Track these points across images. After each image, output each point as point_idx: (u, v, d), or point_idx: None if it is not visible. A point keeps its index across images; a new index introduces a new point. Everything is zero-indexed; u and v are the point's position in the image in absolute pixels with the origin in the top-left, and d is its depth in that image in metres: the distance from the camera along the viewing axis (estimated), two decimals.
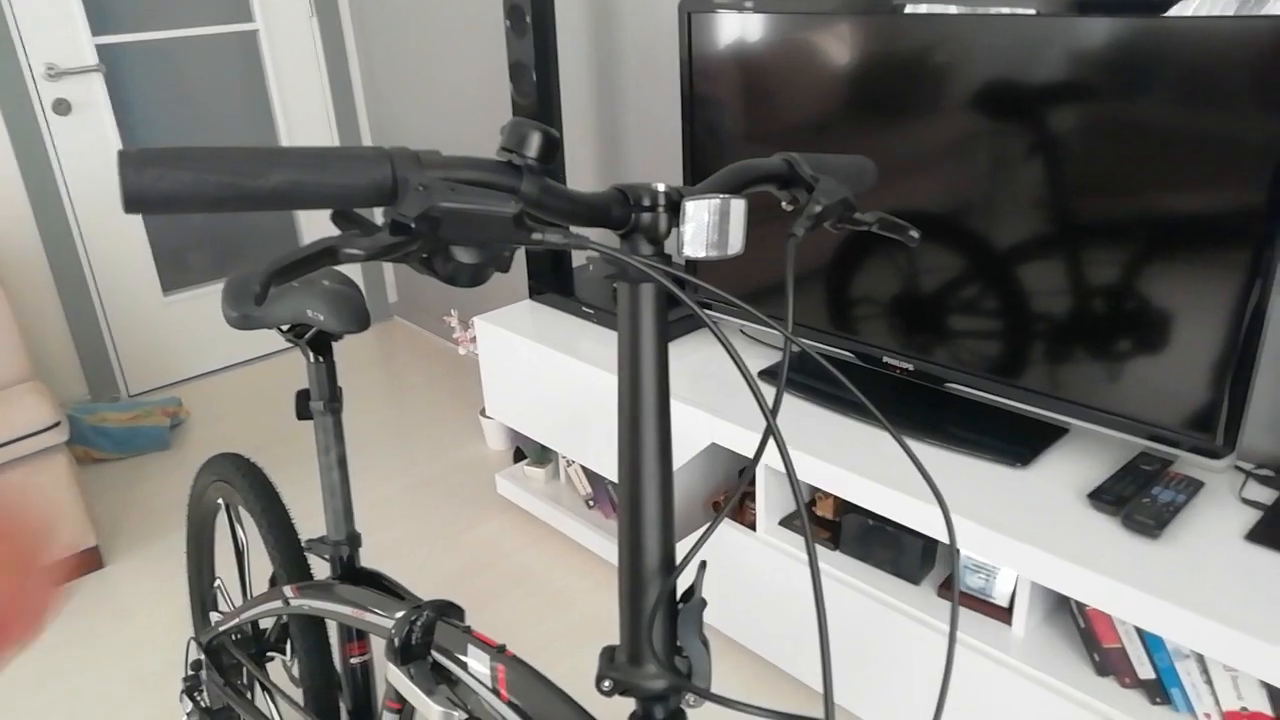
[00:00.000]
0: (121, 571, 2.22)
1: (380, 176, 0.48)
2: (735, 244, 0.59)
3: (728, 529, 1.76)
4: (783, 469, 1.59)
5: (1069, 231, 1.35)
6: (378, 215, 0.53)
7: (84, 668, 1.92)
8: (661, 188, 0.58)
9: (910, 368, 1.61)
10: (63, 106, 2.75)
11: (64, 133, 2.78)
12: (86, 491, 2.54)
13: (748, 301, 1.84)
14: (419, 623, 0.92)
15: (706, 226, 0.58)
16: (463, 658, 0.88)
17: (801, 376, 1.75)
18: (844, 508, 1.63)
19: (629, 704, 0.69)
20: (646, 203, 0.58)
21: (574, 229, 0.56)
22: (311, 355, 1.11)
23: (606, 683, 0.65)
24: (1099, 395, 1.38)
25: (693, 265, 1.93)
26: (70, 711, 1.80)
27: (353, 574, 1.15)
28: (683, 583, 0.64)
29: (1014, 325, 1.46)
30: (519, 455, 2.51)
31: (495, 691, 0.82)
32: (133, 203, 0.43)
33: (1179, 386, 1.30)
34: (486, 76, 2.73)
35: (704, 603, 0.65)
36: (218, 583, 1.61)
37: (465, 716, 0.88)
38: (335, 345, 1.20)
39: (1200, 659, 1.22)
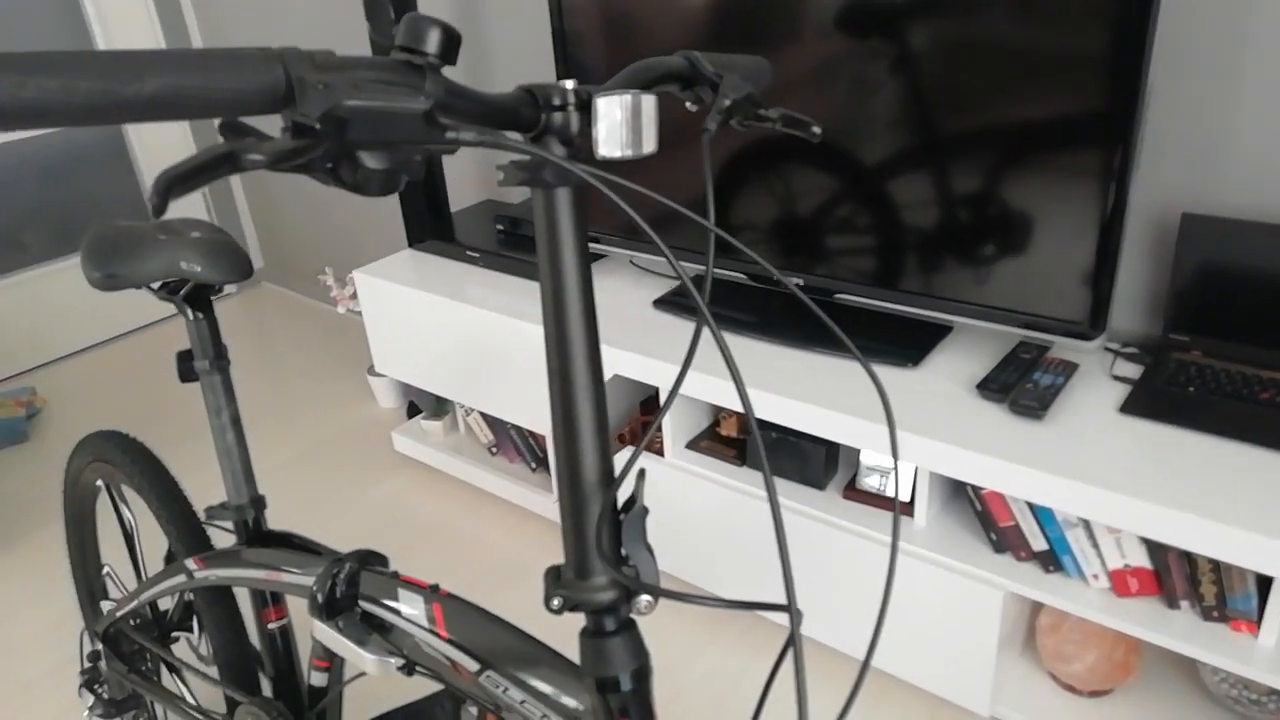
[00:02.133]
0: None
1: (272, 78, 0.44)
2: (649, 143, 0.57)
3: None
4: (686, 393, 1.60)
5: (936, 144, 1.39)
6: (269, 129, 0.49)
7: None
8: (570, 85, 0.56)
9: (800, 283, 1.64)
10: None
11: None
12: None
13: (645, 241, 1.83)
14: (341, 575, 0.89)
15: (620, 124, 0.56)
16: (393, 604, 0.86)
17: (692, 303, 1.76)
18: (746, 427, 1.66)
19: (575, 623, 0.68)
20: (556, 102, 0.56)
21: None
22: (190, 312, 1.04)
23: (555, 601, 0.65)
24: (977, 292, 1.45)
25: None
26: None
27: (261, 537, 1.10)
28: (622, 494, 0.64)
29: (892, 235, 1.50)
30: (413, 411, 2.45)
31: (433, 631, 0.81)
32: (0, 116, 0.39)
33: (1051, 277, 1.37)
34: (345, 20, 2.59)
35: (646, 510, 0.65)
36: (106, 569, 1.52)
37: (402, 662, 0.86)
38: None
39: (1087, 525, 1.31)
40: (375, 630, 0.88)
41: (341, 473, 2.32)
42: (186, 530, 1.19)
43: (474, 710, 1.03)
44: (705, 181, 0.58)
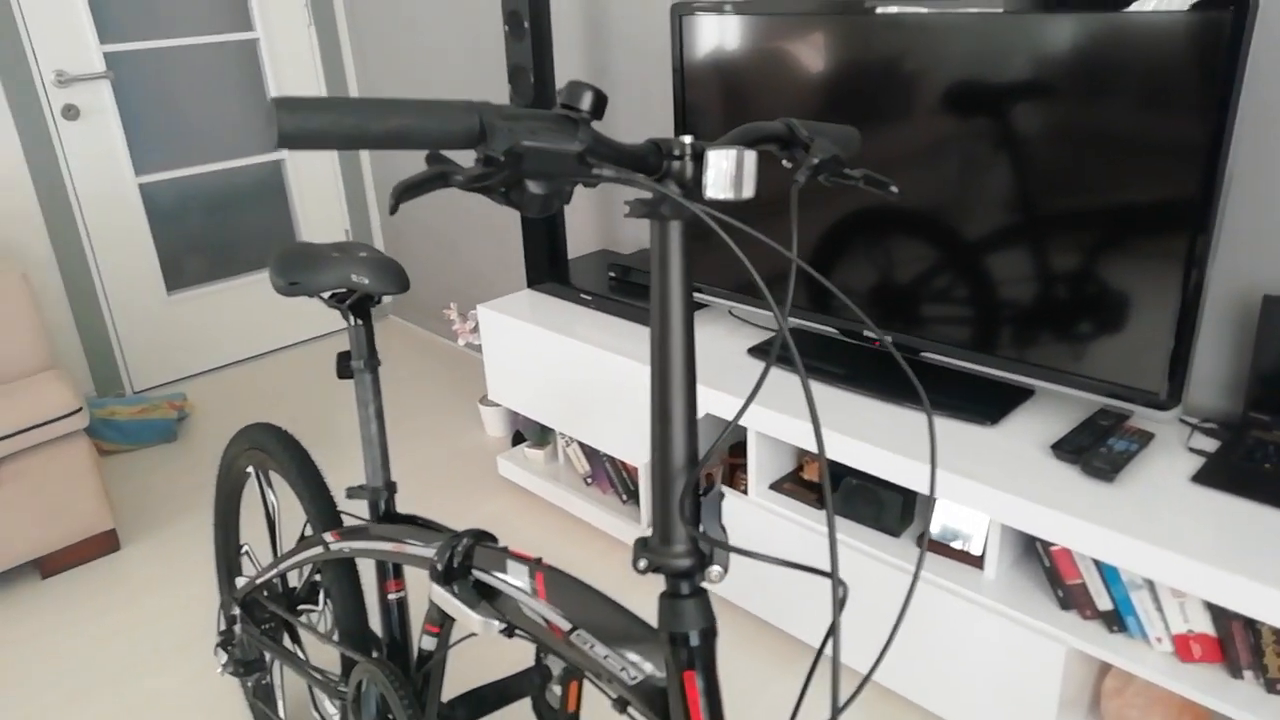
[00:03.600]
0: (137, 554, 2.31)
1: (471, 123, 0.60)
2: (748, 189, 0.71)
3: (727, 493, 1.88)
4: (771, 435, 1.72)
5: (1033, 219, 1.49)
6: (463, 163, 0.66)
7: (102, 644, 2.01)
8: (688, 140, 0.71)
9: (889, 339, 1.75)
10: (71, 112, 2.85)
11: (72, 137, 2.87)
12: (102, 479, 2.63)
13: (744, 293, 1.97)
14: (459, 547, 1.04)
15: (725, 173, 0.70)
16: (502, 574, 1.00)
17: (798, 355, 1.88)
18: (831, 470, 1.76)
19: (655, 594, 0.81)
20: (676, 152, 0.71)
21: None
22: (353, 319, 1.22)
23: (641, 563, 0.77)
24: (1059, 359, 1.52)
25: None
26: (87, 685, 1.89)
27: (391, 517, 1.26)
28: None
29: (979, 301, 1.60)
30: (517, 439, 2.62)
31: (534, 595, 0.94)
32: (285, 139, 0.55)
33: (1131, 350, 1.44)
34: (482, 82, 2.85)
35: (722, 494, 0.77)
36: (244, 549, 1.72)
37: (504, 625, 1.00)
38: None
39: (1152, 587, 1.35)
40: (484, 597, 1.02)
41: (449, 492, 2.50)
42: (324, 510, 1.37)
43: (557, 689, 1.16)
44: (791, 223, 0.72)
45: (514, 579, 0.99)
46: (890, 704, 1.72)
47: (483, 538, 1.05)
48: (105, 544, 2.30)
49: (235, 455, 1.61)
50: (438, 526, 1.17)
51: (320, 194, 3.49)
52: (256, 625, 1.51)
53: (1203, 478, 1.40)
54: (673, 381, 0.75)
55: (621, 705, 0.89)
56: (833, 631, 0.64)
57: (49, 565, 2.23)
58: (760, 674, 1.82)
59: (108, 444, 2.77)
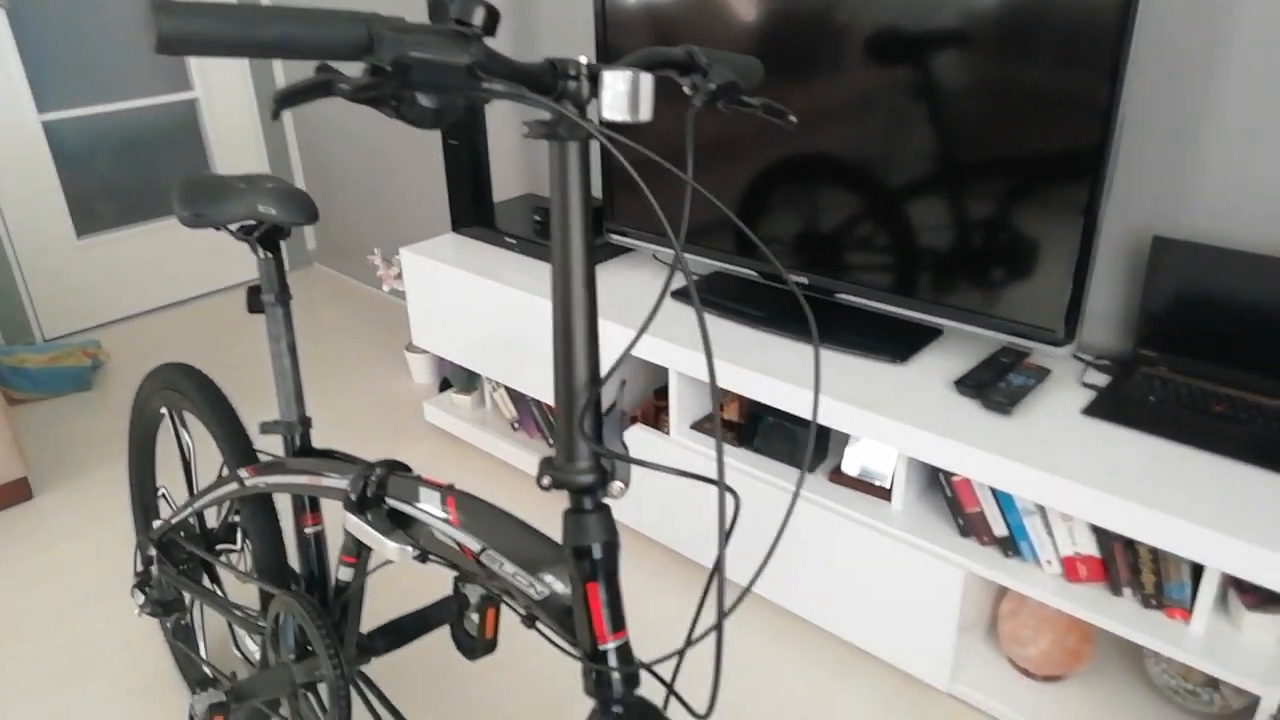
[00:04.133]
0: (51, 502, 2.26)
1: (359, 33, 0.60)
2: (644, 112, 0.72)
3: (643, 432, 1.91)
4: (694, 376, 1.75)
5: (943, 166, 1.54)
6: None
7: (18, 592, 1.97)
8: (584, 60, 0.72)
9: (805, 281, 1.79)
10: None
11: None
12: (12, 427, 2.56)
13: (665, 236, 1.98)
14: (373, 477, 1.05)
15: (621, 95, 0.71)
16: (415, 501, 1.01)
17: (713, 295, 1.91)
18: (748, 410, 1.80)
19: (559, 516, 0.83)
20: (572, 72, 0.71)
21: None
22: (261, 251, 1.21)
23: (545, 479, 0.80)
24: (965, 299, 1.58)
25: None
26: (6, 634, 1.86)
27: (306, 452, 1.26)
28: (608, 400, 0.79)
29: (890, 244, 1.64)
30: (444, 386, 2.62)
31: (446, 520, 0.96)
32: (163, 44, 0.55)
33: (1030, 289, 1.50)
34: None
35: (624, 414, 0.80)
36: (161, 491, 1.70)
37: (418, 551, 1.02)
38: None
39: (1043, 513, 1.43)
40: (398, 525, 1.04)
41: (374, 438, 2.49)
42: (239, 447, 1.36)
43: (475, 616, 1.18)
44: (687, 149, 0.74)
45: (426, 505, 1.00)
46: (805, 633, 1.79)
47: (396, 467, 1.06)
48: (17, 492, 2.25)
49: (148, 396, 1.58)
50: (352, 459, 1.17)
51: (237, 135, 3.39)
52: (174, 566, 1.50)
53: (1093, 410, 1.47)
54: (574, 302, 0.77)
55: (530, 621, 0.91)
56: (722, 542, 0.67)
57: None
58: (674, 603, 1.88)
59: (18, 393, 2.69)
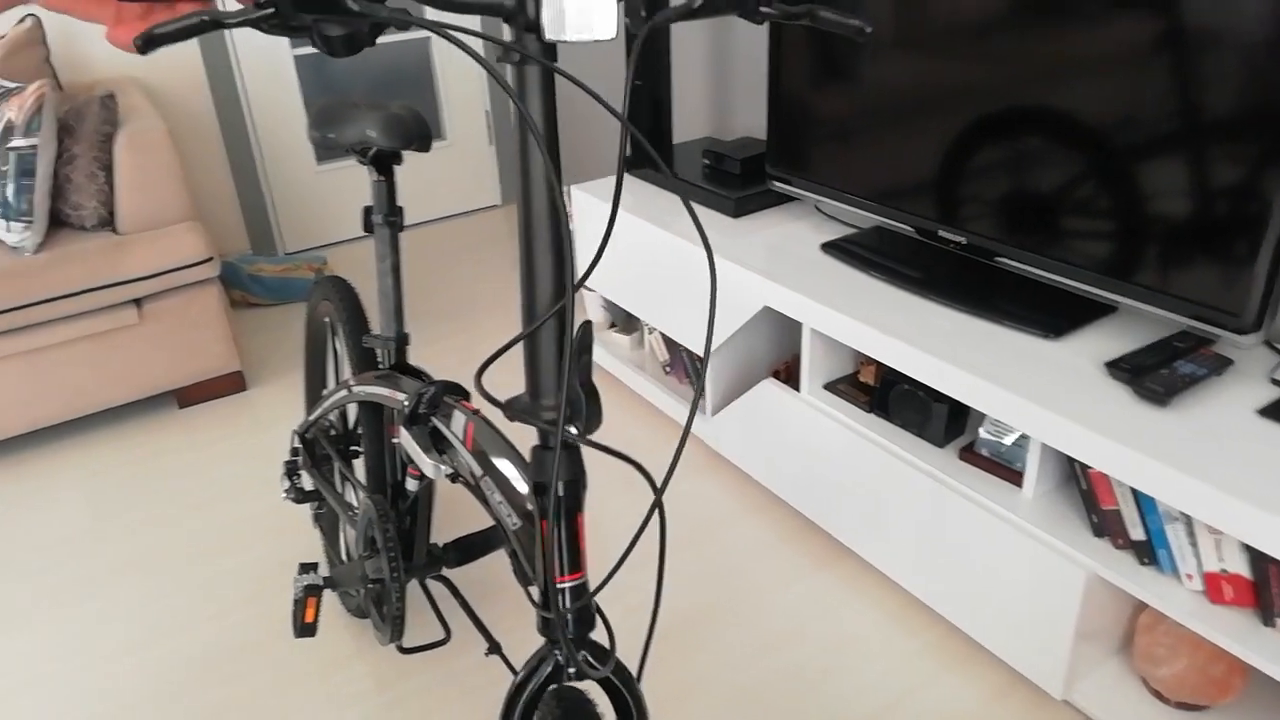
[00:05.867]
0: (260, 395, 2.55)
1: None
2: (603, 30, 0.66)
3: (773, 388, 1.85)
4: (829, 334, 1.66)
5: (1138, 127, 1.34)
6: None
7: (222, 464, 2.25)
8: None
9: (963, 240, 1.64)
10: None
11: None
12: (239, 328, 2.91)
13: (836, 188, 1.89)
14: (426, 396, 1.09)
15: (562, 11, 0.65)
16: (449, 423, 1.05)
17: (869, 252, 1.80)
18: (884, 376, 1.69)
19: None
20: None
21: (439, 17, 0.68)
22: (374, 173, 1.28)
23: (509, 412, 0.79)
24: (1140, 273, 1.38)
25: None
26: (204, 499, 2.14)
27: (399, 367, 1.33)
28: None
29: (1075, 207, 1.46)
30: (613, 325, 2.66)
31: (463, 443, 0.98)
32: None
33: (1217, 268, 1.28)
34: None
35: (589, 360, 0.77)
36: (326, 391, 1.86)
37: (450, 471, 1.05)
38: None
39: (1188, 522, 1.24)
40: (438, 444, 1.08)
41: None
42: (362, 358, 1.46)
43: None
44: (628, 68, 0.68)
45: (455, 427, 1.03)
46: (916, 614, 1.68)
47: (450, 389, 1.10)
48: (233, 383, 2.55)
49: (315, 305, 1.73)
50: (426, 378, 1.23)
51: (461, 75, 3.58)
52: (312, 459, 1.65)
53: (1272, 411, 1.25)
54: (536, 235, 0.74)
55: (511, 552, 0.92)
56: (655, 520, 0.63)
57: (184, 397, 2.51)
58: (794, 567, 1.82)
59: (253, 297, 3.04)
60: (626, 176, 2.39)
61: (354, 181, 3.50)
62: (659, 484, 0.65)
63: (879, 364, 1.74)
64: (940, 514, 1.55)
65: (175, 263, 2.31)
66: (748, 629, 1.69)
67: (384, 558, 1.19)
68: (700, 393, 0.72)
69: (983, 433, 1.53)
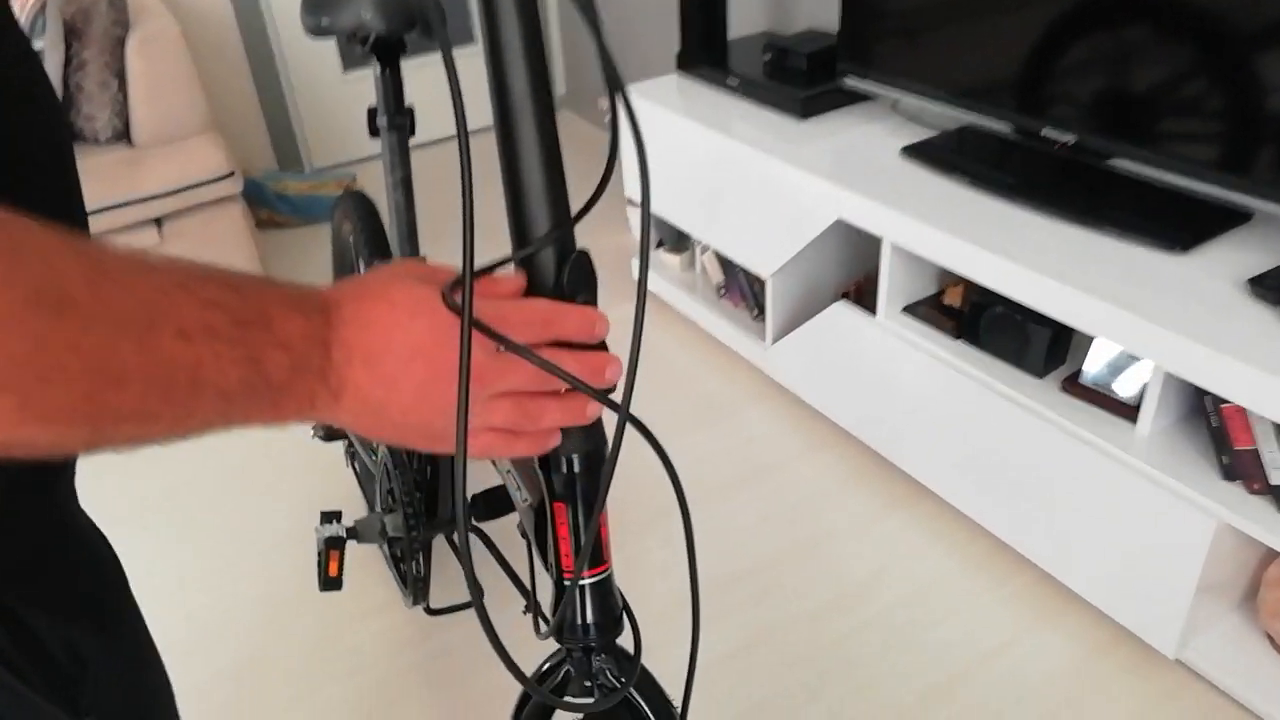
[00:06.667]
0: None
1: None
2: None
3: (845, 312, 1.67)
4: (912, 250, 1.47)
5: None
6: None
7: None
8: None
9: (1071, 140, 1.42)
10: None
11: None
12: (265, 248, 2.77)
13: (916, 81, 1.67)
14: None
15: None
16: None
17: (956, 155, 1.59)
18: (973, 298, 1.50)
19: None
20: None
21: None
22: (377, 66, 1.10)
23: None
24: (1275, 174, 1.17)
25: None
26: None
27: None
28: None
29: (1198, 94, 1.24)
30: (661, 245, 2.48)
31: None
32: None
33: None
34: None
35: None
36: None
37: None
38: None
39: None
40: None
41: None
42: None
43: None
44: None
45: None
46: (1011, 563, 1.53)
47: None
48: None
49: (338, 224, 1.58)
50: None
51: None
52: None
53: None
54: (522, 141, 0.56)
55: (522, 530, 0.77)
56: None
57: None
58: (866, 509, 1.67)
59: (279, 215, 2.89)
60: (678, 76, 2.18)
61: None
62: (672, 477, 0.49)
63: (967, 284, 1.54)
64: (1037, 452, 1.38)
65: (195, 178, 2.15)
66: (818, 577, 1.55)
67: (401, 509, 1.05)
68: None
69: (1094, 360, 1.35)
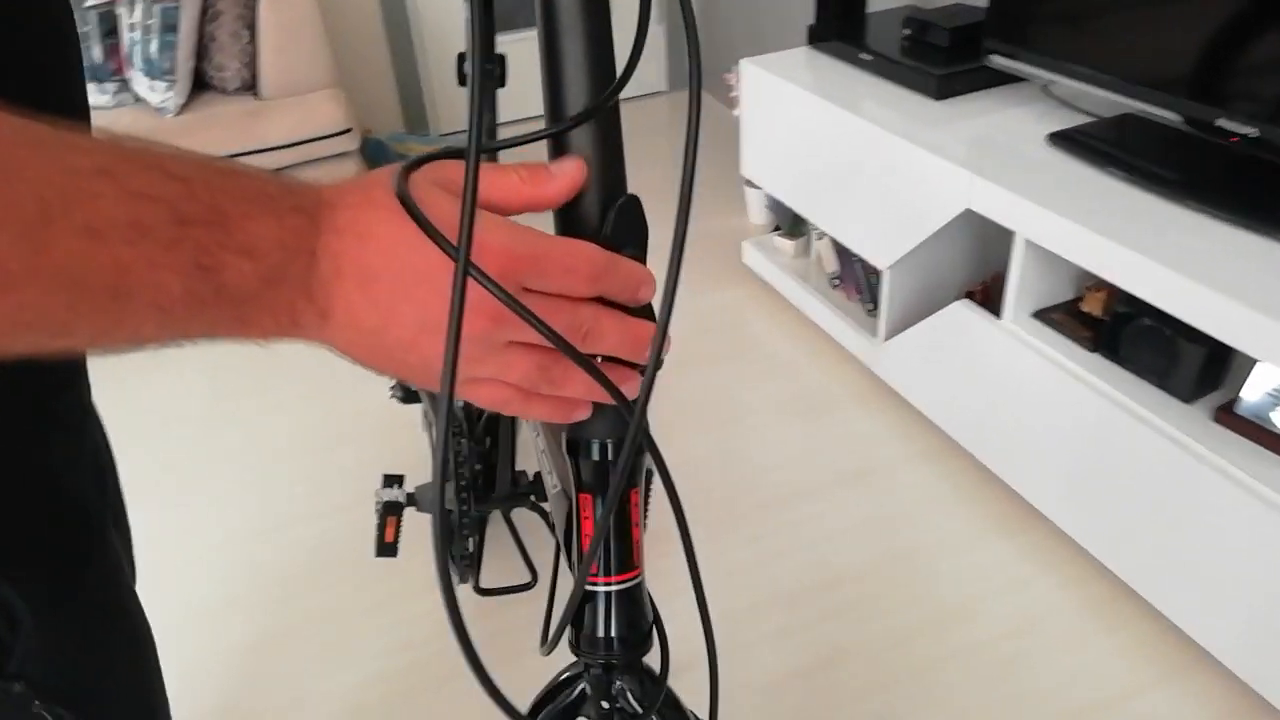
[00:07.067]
0: None
1: None
2: None
3: (967, 312, 1.51)
4: (1049, 247, 1.31)
5: None
6: None
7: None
8: None
9: (1252, 133, 1.23)
10: None
11: None
12: None
13: (1075, 63, 1.49)
14: None
15: None
16: None
17: (1106, 145, 1.41)
18: (1116, 306, 1.32)
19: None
20: None
21: None
22: (468, 3, 1.02)
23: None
24: None
25: None
26: (330, 389, 2.02)
27: None
28: None
29: None
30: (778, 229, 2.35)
31: None
32: None
33: None
34: None
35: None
36: None
37: None
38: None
39: None
40: None
41: (686, 273, 2.32)
42: None
43: None
44: None
45: None
46: (1132, 608, 1.35)
47: None
48: None
49: None
50: None
51: None
52: None
53: None
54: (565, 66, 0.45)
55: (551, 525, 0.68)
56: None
57: None
58: (970, 528, 1.51)
59: None
60: (808, 50, 2.04)
61: (519, 56, 3.27)
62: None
63: (1111, 289, 1.37)
64: (1178, 488, 1.20)
65: (313, 132, 2.17)
66: (907, 597, 1.41)
67: (453, 479, 0.98)
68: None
69: (1255, 386, 1.16)
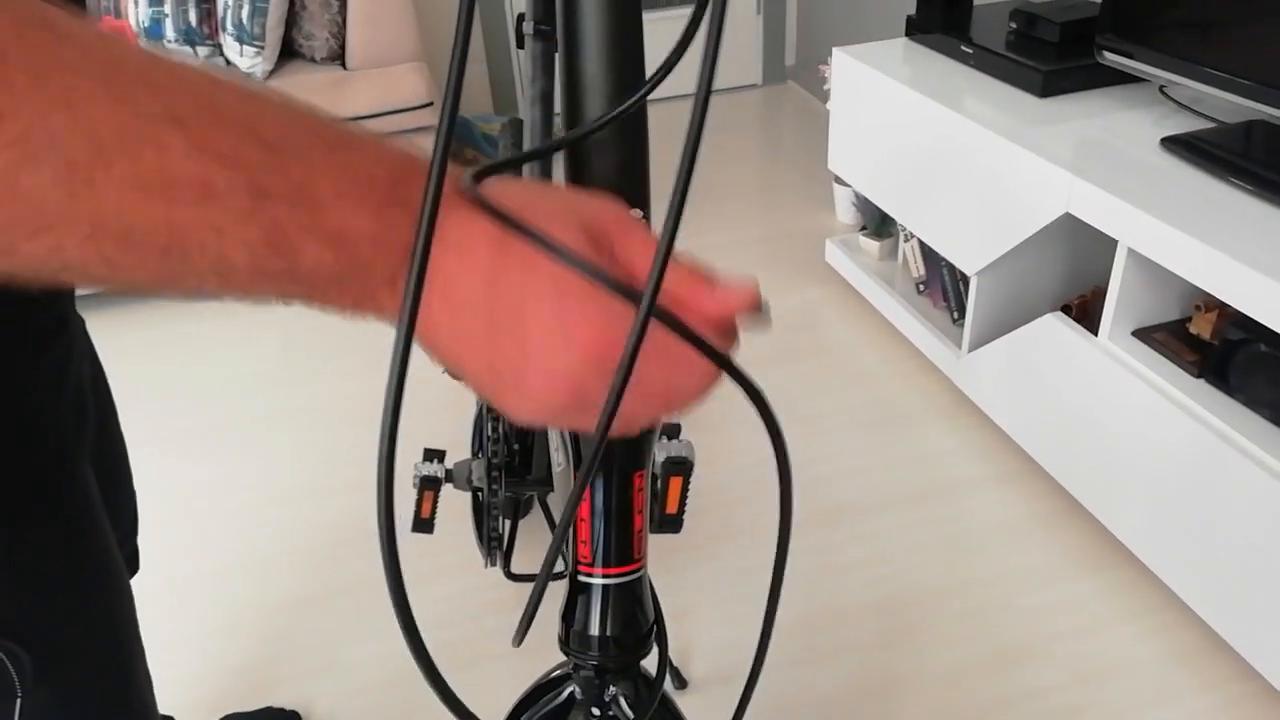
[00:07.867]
0: None
1: None
2: None
3: (1061, 327, 1.40)
4: (1156, 260, 1.20)
5: None
6: None
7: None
8: None
9: None
10: None
11: None
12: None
13: (1197, 48, 1.36)
14: None
15: None
16: None
17: (1226, 152, 1.28)
18: (1227, 329, 1.20)
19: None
20: None
21: None
22: None
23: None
24: None
25: None
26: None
27: None
28: None
29: None
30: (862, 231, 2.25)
31: None
32: None
33: None
34: None
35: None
36: None
37: None
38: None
39: None
40: None
41: (768, 268, 2.24)
42: None
43: (658, 482, 0.92)
44: None
45: None
46: (1210, 652, 1.22)
47: None
48: None
49: (500, 153, 1.49)
50: None
51: None
52: None
53: None
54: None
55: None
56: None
57: None
58: (1049, 560, 1.40)
59: (485, 157, 2.89)
60: (906, 42, 1.94)
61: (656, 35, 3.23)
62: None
63: (1223, 310, 1.24)
64: (1265, 519, 1.07)
65: (395, 104, 2.16)
66: (972, 629, 1.31)
67: (486, 458, 0.93)
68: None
69: None
